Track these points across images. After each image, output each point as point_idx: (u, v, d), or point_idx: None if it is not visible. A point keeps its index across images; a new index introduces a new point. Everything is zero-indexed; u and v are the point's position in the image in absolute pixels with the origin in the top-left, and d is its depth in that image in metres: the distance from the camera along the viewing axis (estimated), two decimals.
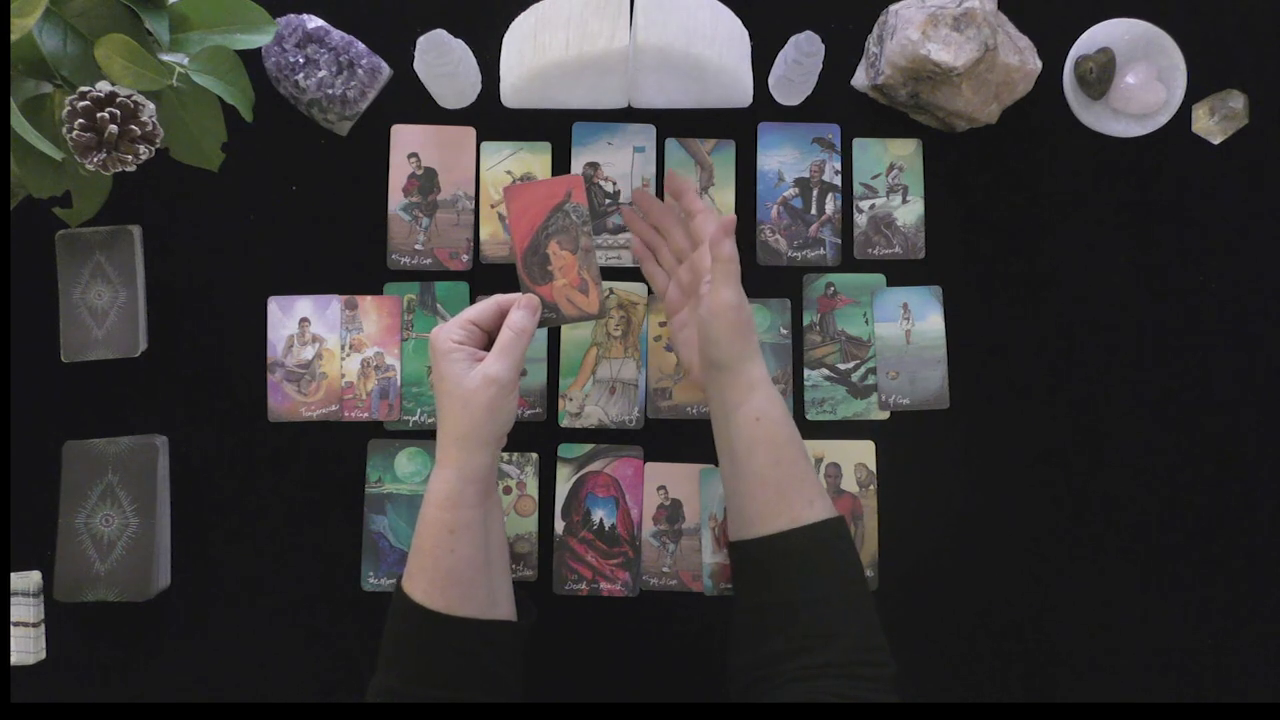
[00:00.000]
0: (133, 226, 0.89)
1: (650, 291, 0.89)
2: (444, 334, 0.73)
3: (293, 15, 0.87)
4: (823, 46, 0.82)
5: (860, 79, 0.90)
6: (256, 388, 0.88)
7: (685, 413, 0.88)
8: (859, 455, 0.88)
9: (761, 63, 0.88)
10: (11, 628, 0.84)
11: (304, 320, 0.88)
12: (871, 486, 0.88)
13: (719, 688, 0.74)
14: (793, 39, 0.82)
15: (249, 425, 0.88)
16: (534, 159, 0.90)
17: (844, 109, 0.91)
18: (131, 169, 0.71)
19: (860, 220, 0.90)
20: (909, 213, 0.90)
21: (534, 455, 0.88)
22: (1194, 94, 0.90)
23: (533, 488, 0.88)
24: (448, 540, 0.71)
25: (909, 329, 0.89)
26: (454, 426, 0.72)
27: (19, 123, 0.67)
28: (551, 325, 0.78)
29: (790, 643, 0.69)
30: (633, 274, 0.89)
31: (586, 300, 0.77)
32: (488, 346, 0.74)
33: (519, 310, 0.74)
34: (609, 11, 0.80)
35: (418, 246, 0.89)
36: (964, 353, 0.89)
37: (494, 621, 0.72)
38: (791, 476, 0.74)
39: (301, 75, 0.86)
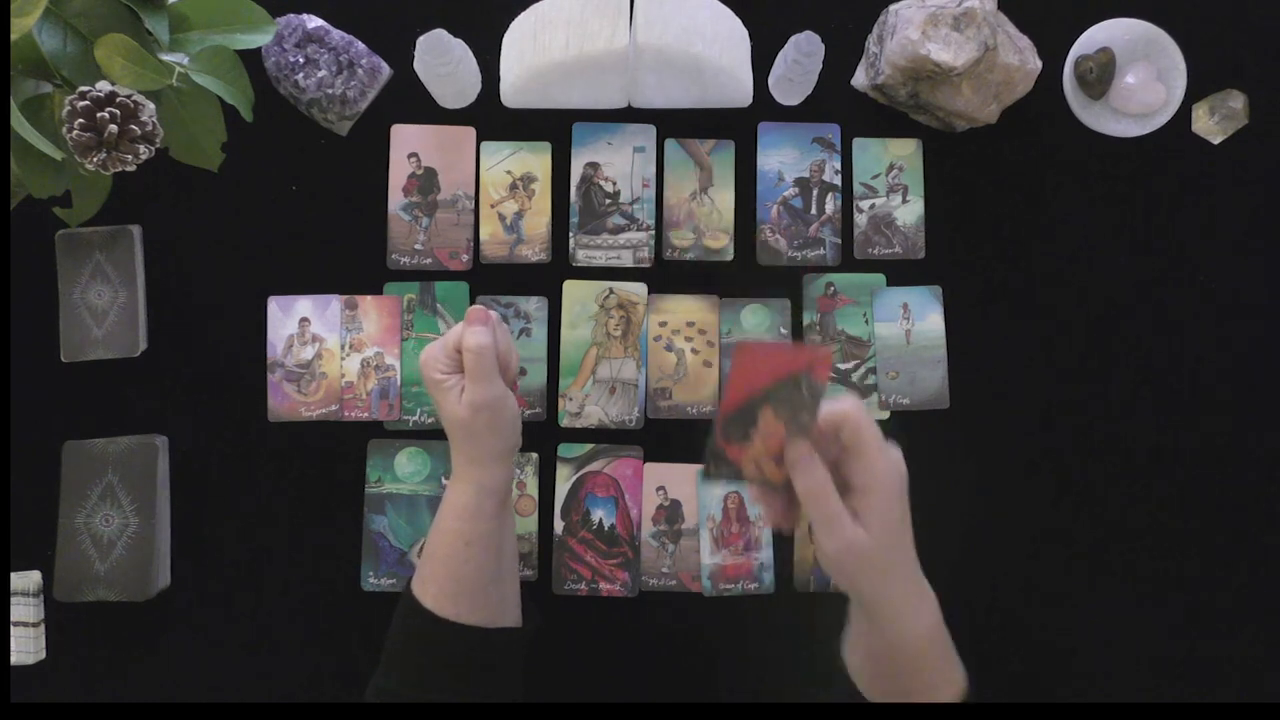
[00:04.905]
0: (133, 226, 0.88)
1: (650, 290, 0.89)
2: (431, 363, 0.72)
3: (293, 15, 0.87)
4: (823, 46, 0.82)
5: (860, 79, 0.90)
6: (256, 388, 0.88)
7: (685, 413, 0.88)
8: None
9: (761, 63, 0.88)
10: (11, 628, 0.84)
11: (304, 320, 0.88)
12: None
13: (718, 688, 0.74)
14: (793, 39, 0.82)
15: (249, 425, 0.88)
16: (534, 159, 0.90)
17: (844, 109, 0.91)
18: (131, 169, 0.70)
19: (860, 220, 0.90)
20: (909, 213, 0.90)
21: (534, 455, 0.88)
22: (1194, 94, 0.90)
23: (533, 487, 0.88)
24: (463, 551, 0.71)
25: (909, 329, 0.89)
26: (465, 450, 0.72)
27: (19, 123, 0.67)
28: (719, 479, 0.67)
29: None
30: (633, 274, 0.89)
31: (777, 471, 0.64)
32: None
33: (472, 328, 0.71)
34: (609, 11, 0.80)
35: (418, 246, 0.89)
36: (964, 353, 0.89)
37: (500, 630, 0.72)
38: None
39: (301, 75, 0.86)
